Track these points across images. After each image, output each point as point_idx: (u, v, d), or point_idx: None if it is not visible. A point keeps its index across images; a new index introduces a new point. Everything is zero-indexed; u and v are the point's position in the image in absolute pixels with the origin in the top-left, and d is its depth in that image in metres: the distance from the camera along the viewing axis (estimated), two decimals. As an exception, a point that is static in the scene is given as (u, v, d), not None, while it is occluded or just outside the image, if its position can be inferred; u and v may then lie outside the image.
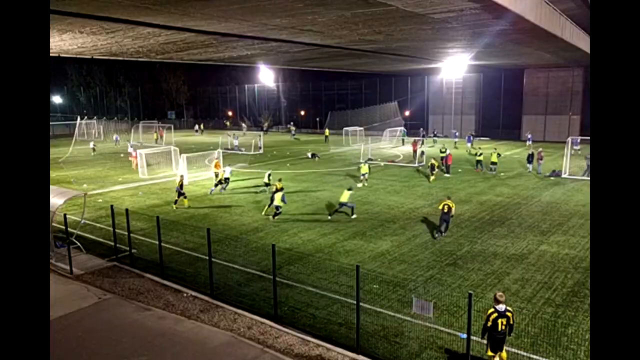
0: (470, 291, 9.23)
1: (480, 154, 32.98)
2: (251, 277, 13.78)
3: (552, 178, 29.58)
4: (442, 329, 10.49)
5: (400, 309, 11.50)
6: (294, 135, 64.69)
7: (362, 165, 29.69)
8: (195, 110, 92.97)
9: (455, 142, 50.14)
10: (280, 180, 22.52)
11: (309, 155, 41.48)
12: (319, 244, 16.87)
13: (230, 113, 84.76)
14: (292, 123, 71.69)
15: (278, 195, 19.99)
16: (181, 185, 22.26)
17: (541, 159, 31.97)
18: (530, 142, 46.04)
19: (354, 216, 20.26)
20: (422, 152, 37.46)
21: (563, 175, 29.62)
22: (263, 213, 20.85)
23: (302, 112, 78.13)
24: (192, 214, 21.31)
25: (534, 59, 45.94)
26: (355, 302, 9.97)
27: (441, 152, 33.67)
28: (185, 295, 12.76)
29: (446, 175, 30.87)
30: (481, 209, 21.67)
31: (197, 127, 73.99)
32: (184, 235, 17.84)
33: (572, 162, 31.25)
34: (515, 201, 23.19)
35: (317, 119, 74.09)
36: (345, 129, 53.52)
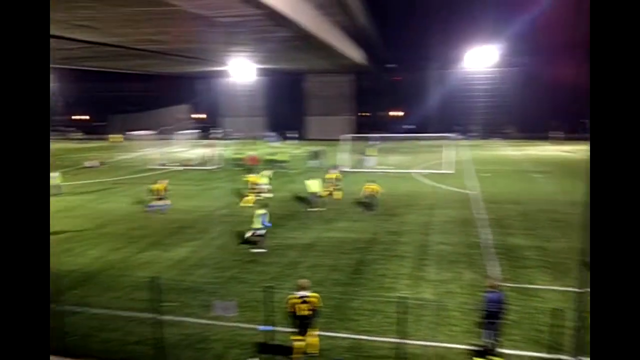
0: (268, 284, 9.68)
1: (276, 154, 34.83)
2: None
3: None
4: (246, 325, 10.76)
5: (204, 314, 11.38)
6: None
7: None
8: None
9: (268, 143, 51.67)
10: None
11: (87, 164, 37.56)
12: (109, 260, 15.48)
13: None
14: (74, 128, 64.37)
15: None
16: None
17: (323, 155, 35.72)
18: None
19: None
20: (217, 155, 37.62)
21: (344, 169, 33.29)
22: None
23: (83, 116, 70.29)
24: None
25: (313, 64, 50.39)
26: (154, 315, 9.48)
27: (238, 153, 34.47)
28: None
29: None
30: (279, 205, 22.86)
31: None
32: None
33: (352, 157, 35.33)
34: (305, 195, 25.13)
35: (101, 123, 67.65)
36: (131, 133, 50.12)
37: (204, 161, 38.06)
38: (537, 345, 9.85)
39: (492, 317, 9.27)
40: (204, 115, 67.67)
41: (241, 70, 50.40)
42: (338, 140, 40.91)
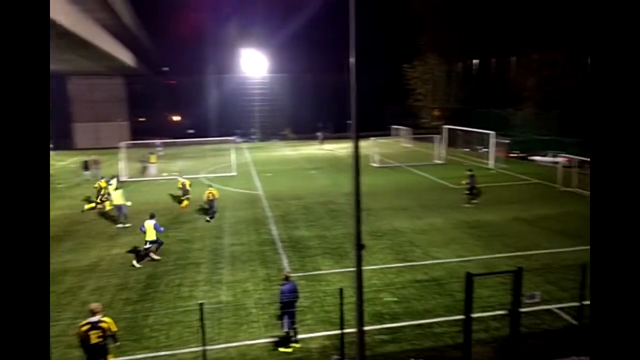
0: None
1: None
2: None
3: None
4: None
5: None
6: None
7: None
8: None
9: None
10: None
11: None
12: None
13: None
14: None
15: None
16: None
17: (97, 165, 32.45)
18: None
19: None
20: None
21: (122, 178, 30.77)
22: None
23: None
24: None
25: (77, 65, 45.01)
26: None
27: None
28: None
29: None
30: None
31: None
32: None
33: (131, 165, 32.88)
34: (77, 211, 22.41)
35: None
36: None
37: None
38: (327, 324, 10.93)
39: (287, 306, 9.92)
40: None
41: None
42: (116, 148, 37.58)
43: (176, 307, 12.00)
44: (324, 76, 63.91)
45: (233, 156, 35.80)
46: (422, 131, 55.21)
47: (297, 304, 10.37)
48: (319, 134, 55.45)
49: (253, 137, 60.36)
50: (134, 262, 15.08)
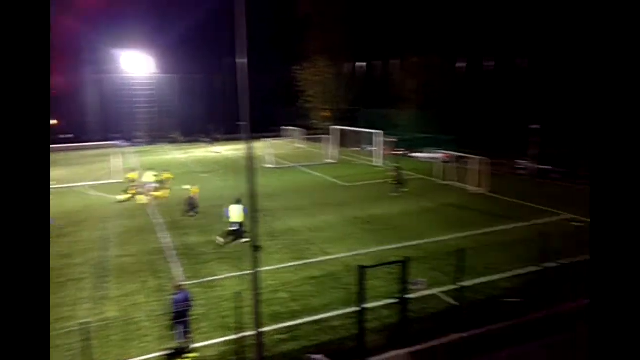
0: None
1: None
2: None
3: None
4: None
5: None
6: None
7: None
8: None
9: None
10: None
11: None
12: None
13: None
14: None
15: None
16: None
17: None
18: None
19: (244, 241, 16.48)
20: None
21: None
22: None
23: None
24: None
25: None
26: None
27: None
28: None
29: None
30: None
31: None
32: None
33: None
34: None
35: None
36: None
37: None
38: (224, 329, 10.69)
39: (180, 316, 9.52)
40: None
41: None
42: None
43: (54, 329, 10.90)
44: (215, 77, 62.56)
45: (119, 162, 33.47)
46: (313, 132, 56.50)
47: (191, 312, 10.01)
48: (208, 136, 54.17)
49: (139, 140, 57.02)
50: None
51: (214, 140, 53.23)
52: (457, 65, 37.39)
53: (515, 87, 29.50)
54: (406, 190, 24.96)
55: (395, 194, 24.32)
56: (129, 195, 24.82)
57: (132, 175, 25.94)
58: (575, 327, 10.42)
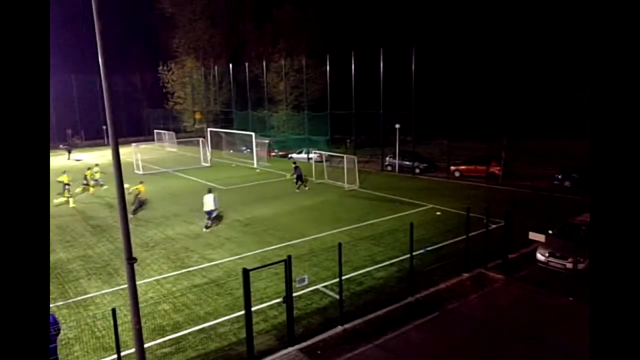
0: None
1: None
2: None
3: None
4: None
5: None
6: None
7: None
8: None
9: None
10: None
11: None
12: None
13: None
14: None
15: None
16: None
17: None
18: None
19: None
20: None
21: None
22: None
23: None
24: None
25: None
26: None
27: None
28: None
29: None
30: None
31: None
32: None
33: None
34: None
35: None
36: None
37: None
38: (100, 350, 9.90)
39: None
40: None
41: None
42: None
43: None
44: (74, 77, 56.91)
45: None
46: (186, 135, 54.52)
47: (60, 337, 9.09)
48: (66, 142, 49.29)
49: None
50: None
51: (73, 146, 48.47)
52: (324, 68, 39.01)
53: (386, 86, 31.84)
54: (307, 187, 26.41)
55: (298, 191, 25.79)
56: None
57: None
58: (443, 307, 11.66)
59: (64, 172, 25.77)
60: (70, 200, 23.94)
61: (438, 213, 20.31)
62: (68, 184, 24.55)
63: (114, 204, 21.14)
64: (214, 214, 19.08)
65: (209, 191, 19.37)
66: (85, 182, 26.96)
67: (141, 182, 22.67)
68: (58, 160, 43.37)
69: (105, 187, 27.81)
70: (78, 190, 26.36)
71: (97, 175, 28.25)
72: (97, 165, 29.74)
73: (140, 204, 22.15)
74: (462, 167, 29.02)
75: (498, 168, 27.14)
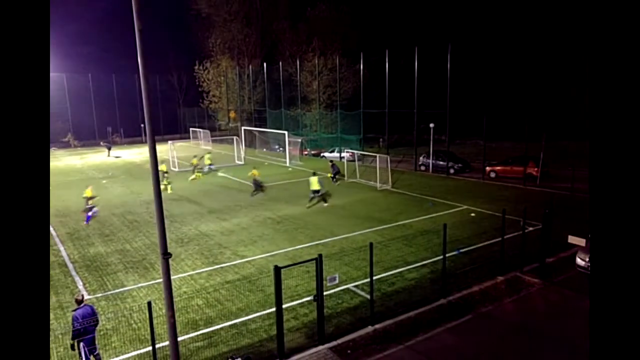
0: None
1: None
2: None
3: None
4: None
5: None
6: None
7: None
8: None
9: None
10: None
11: None
12: None
13: None
14: None
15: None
16: None
17: None
18: None
19: (326, 204, 21.95)
20: None
21: None
22: None
23: None
24: None
25: None
26: None
27: None
28: None
29: None
30: None
31: None
32: None
33: None
34: None
35: None
36: None
37: None
38: (137, 342, 10.19)
39: (83, 334, 8.88)
40: None
41: None
42: None
43: None
44: (114, 77, 58.78)
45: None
46: (220, 133, 55.40)
47: (99, 327, 9.40)
48: (106, 140, 50.94)
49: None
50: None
51: (112, 143, 50.05)
52: (357, 67, 38.83)
53: (420, 86, 31.46)
54: (340, 183, 27.79)
55: (337, 184, 27.31)
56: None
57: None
58: (476, 310, 11.43)
59: (162, 162, 26.68)
60: (168, 187, 26.22)
61: (472, 214, 19.92)
62: (167, 172, 27.32)
63: (219, 189, 21.82)
64: (320, 193, 22.29)
65: (314, 174, 23.18)
66: (197, 168, 30.67)
67: (255, 168, 26.43)
68: (98, 157, 44.90)
69: (220, 174, 31.77)
70: (192, 177, 30.14)
71: (208, 162, 32.32)
72: (209, 153, 34.25)
73: (259, 186, 25.15)
74: (498, 167, 28.37)
75: (536, 169, 26.40)
